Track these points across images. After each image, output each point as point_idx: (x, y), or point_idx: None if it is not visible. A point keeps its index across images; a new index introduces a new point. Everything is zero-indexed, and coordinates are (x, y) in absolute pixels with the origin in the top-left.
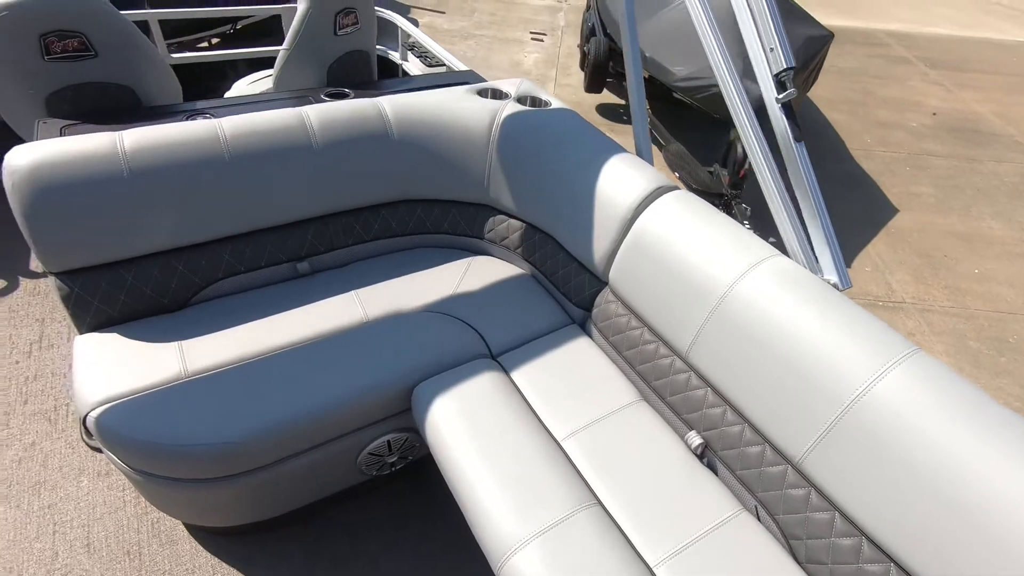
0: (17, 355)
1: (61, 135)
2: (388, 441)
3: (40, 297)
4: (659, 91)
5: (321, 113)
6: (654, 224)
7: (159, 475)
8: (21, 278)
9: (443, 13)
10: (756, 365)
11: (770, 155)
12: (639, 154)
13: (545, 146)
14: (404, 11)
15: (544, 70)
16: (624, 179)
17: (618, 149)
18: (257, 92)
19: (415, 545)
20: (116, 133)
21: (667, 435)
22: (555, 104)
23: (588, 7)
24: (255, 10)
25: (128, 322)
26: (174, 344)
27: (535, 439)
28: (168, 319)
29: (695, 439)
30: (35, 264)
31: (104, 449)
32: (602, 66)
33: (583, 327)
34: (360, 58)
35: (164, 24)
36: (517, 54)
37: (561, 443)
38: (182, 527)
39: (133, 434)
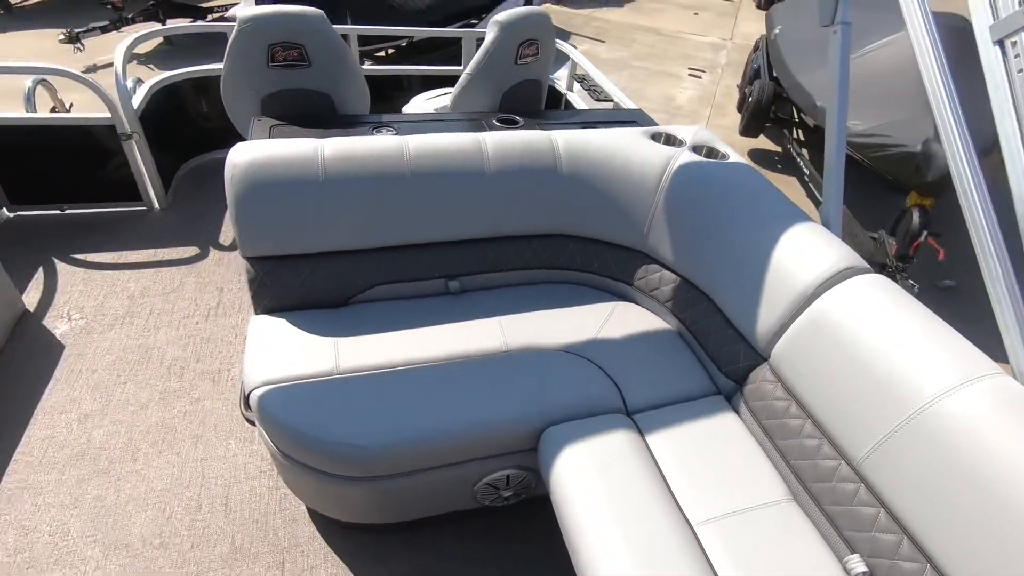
0: (198, 317)
1: (270, 134)
2: (508, 475)
3: (223, 267)
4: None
5: (497, 141)
6: (841, 307)
7: (298, 461)
8: (212, 249)
9: (602, 42)
10: (961, 505)
11: (1003, 245)
12: (827, 225)
13: (718, 201)
14: (564, 37)
15: (698, 107)
16: (808, 251)
17: (802, 216)
18: (433, 110)
19: (513, 574)
20: (318, 141)
21: (821, 551)
22: (733, 157)
23: (756, 48)
24: (443, 32)
25: (296, 310)
26: (331, 340)
27: (668, 515)
28: (329, 314)
29: (858, 566)
30: (223, 238)
31: (257, 424)
32: (763, 110)
33: (730, 400)
34: (533, 87)
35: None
36: (671, 88)
37: (695, 527)
38: (304, 509)
39: (286, 420)
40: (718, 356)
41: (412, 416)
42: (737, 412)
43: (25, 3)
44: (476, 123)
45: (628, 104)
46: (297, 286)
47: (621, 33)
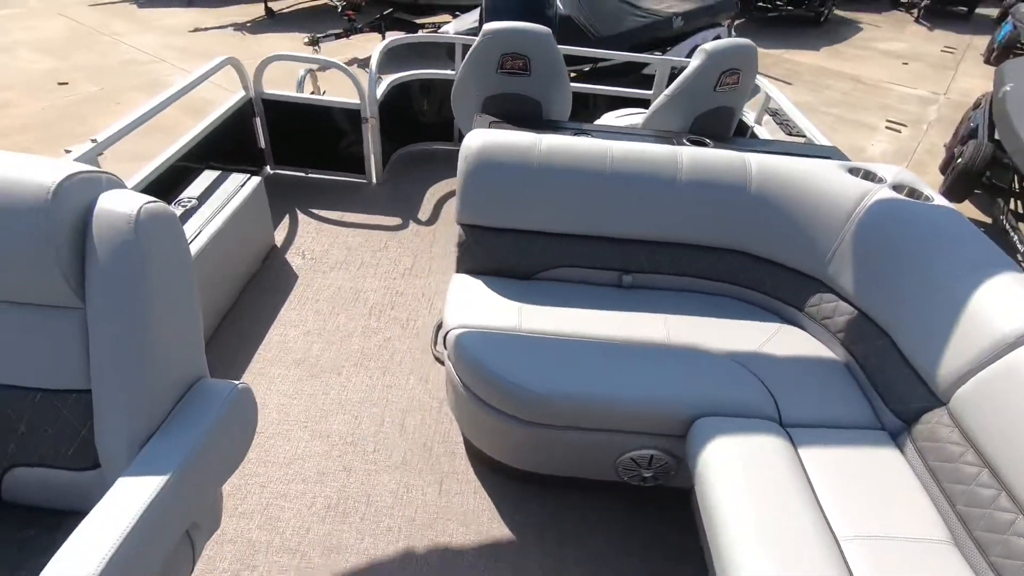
0: (396, 274)
1: (489, 128)
2: (651, 455)
3: (418, 239)
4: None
5: (693, 155)
6: None
7: (477, 395)
8: (411, 222)
9: (789, 84)
10: None
11: None
12: None
13: (917, 240)
14: None
15: (892, 161)
16: (1014, 298)
17: (1013, 266)
18: (623, 125)
19: (642, 552)
20: (537, 136)
21: None
22: (938, 200)
23: (976, 105)
24: (640, 58)
25: (489, 276)
26: (516, 304)
27: (815, 523)
28: (515, 283)
29: None
30: (421, 214)
31: (446, 360)
32: (975, 174)
33: (894, 438)
34: (725, 114)
35: None
36: (862, 139)
37: (840, 541)
38: (462, 446)
39: (476, 356)
40: (888, 393)
41: (578, 376)
42: (900, 449)
43: (284, 10)
44: (667, 141)
45: (822, 141)
46: (496, 255)
47: (813, 77)
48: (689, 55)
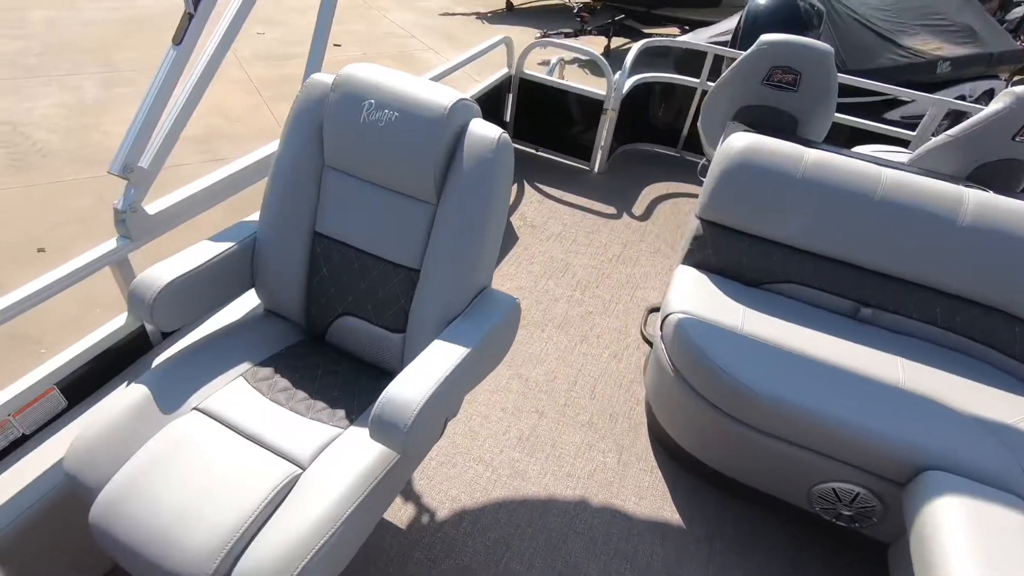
0: (604, 258)
1: None
2: (857, 493)
3: (629, 231)
4: None
5: (983, 201)
6: None
7: (686, 379)
8: (624, 214)
9: None
10: None
11: None
12: None
13: None
14: None
15: None
16: None
17: None
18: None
19: None
20: (804, 148)
21: None
22: None
23: None
24: (908, 94)
25: (716, 274)
26: (740, 306)
27: None
28: (742, 287)
29: None
30: (636, 208)
31: (656, 341)
32: None
33: None
34: (1015, 167)
35: None
36: None
37: None
38: (646, 428)
39: (696, 342)
40: None
41: (800, 385)
42: None
43: (523, 5)
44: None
45: None
46: (729, 255)
47: None
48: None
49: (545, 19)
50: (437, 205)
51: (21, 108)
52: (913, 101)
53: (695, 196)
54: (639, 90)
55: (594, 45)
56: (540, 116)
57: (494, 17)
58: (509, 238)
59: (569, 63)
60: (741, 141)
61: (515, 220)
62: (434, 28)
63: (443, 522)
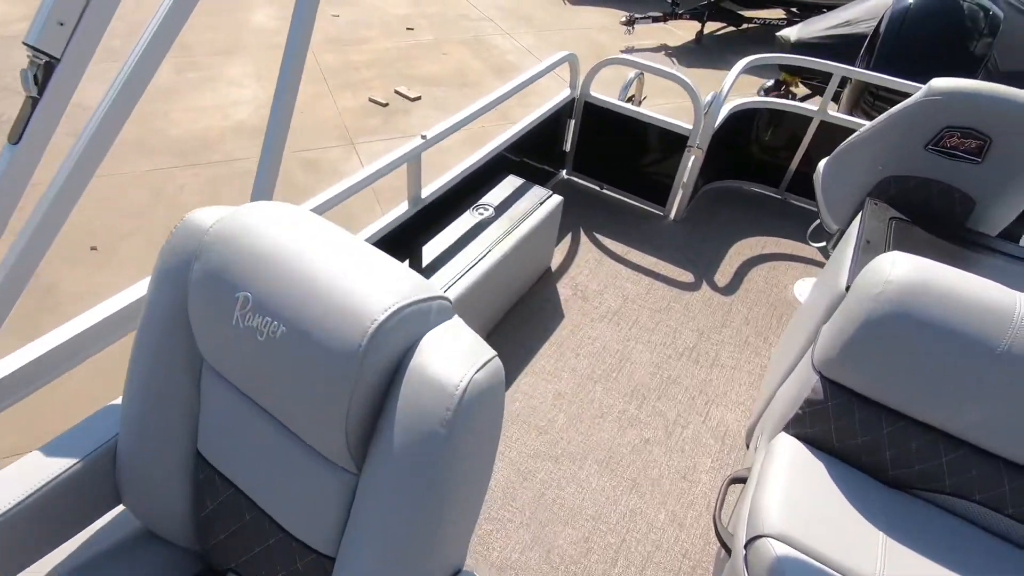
0: (672, 350)
1: (889, 227)
2: None
3: (709, 309)
4: None
5: None
6: None
7: None
8: (704, 283)
9: None
10: None
11: None
12: None
13: None
14: None
15: None
16: None
17: None
18: None
19: None
20: (1016, 294)
21: None
22: None
23: None
24: None
25: (835, 459)
26: (879, 533)
27: None
28: (880, 492)
29: None
30: (719, 276)
31: (740, 561)
32: None
33: None
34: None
35: None
36: None
37: None
38: None
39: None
40: None
41: None
42: None
43: None
44: None
45: None
46: (864, 439)
47: None
48: None
49: (632, 0)
50: (359, 475)
51: (99, 92)
52: None
53: (799, 260)
54: (739, 118)
55: (686, 31)
56: (607, 147)
57: None
58: (553, 315)
59: (654, 51)
60: (903, 269)
61: (563, 288)
62: (512, 11)
63: None
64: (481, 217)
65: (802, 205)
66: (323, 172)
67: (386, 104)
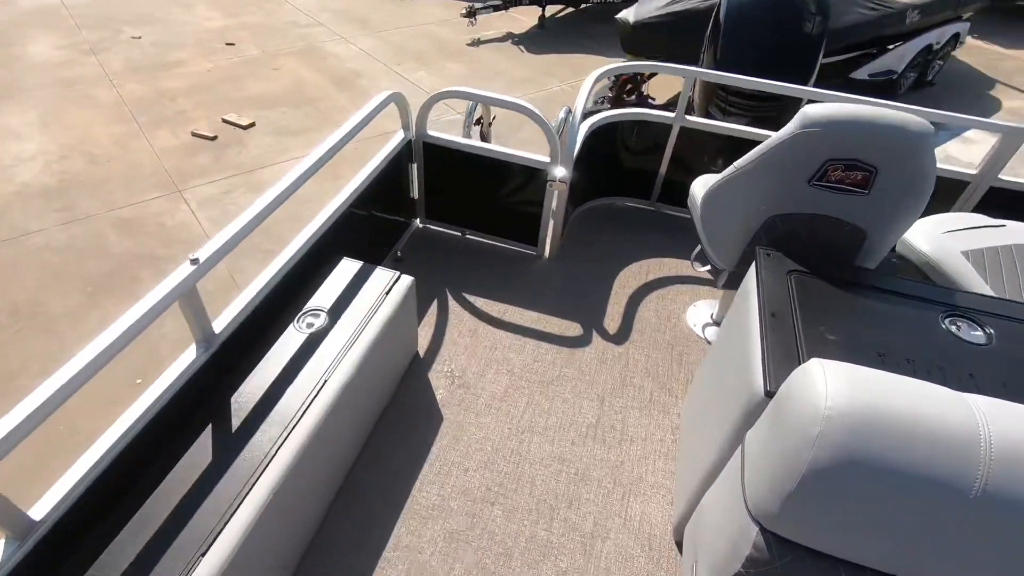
0: (574, 436)
1: (788, 285)
2: None
3: (605, 368)
4: None
5: None
6: None
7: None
8: (595, 334)
9: None
10: None
11: None
12: None
13: None
14: (989, 86)
15: None
16: None
17: None
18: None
19: None
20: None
21: None
22: None
23: None
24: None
25: None
26: None
27: None
28: None
29: None
30: (607, 321)
31: None
32: None
33: None
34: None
35: None
36: None
37: None
38: None
39: None
40: None
41: None
42: None
43: None
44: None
45: None
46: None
47: None
48: (920, 58)
49: None
50: None
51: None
52: (879, 56)
53: (686, 281)
54: (599, 135)
55: (529, 16)
56: (461, 188)
57: None
58: (428, 419)
59: (500, 41)
60: (837, 394)
61: (437, 378)
62: (344, 12)
63: None
64: (311, 330)
65: (676, 214)
66: (147, 233)
67: (214, 137)
